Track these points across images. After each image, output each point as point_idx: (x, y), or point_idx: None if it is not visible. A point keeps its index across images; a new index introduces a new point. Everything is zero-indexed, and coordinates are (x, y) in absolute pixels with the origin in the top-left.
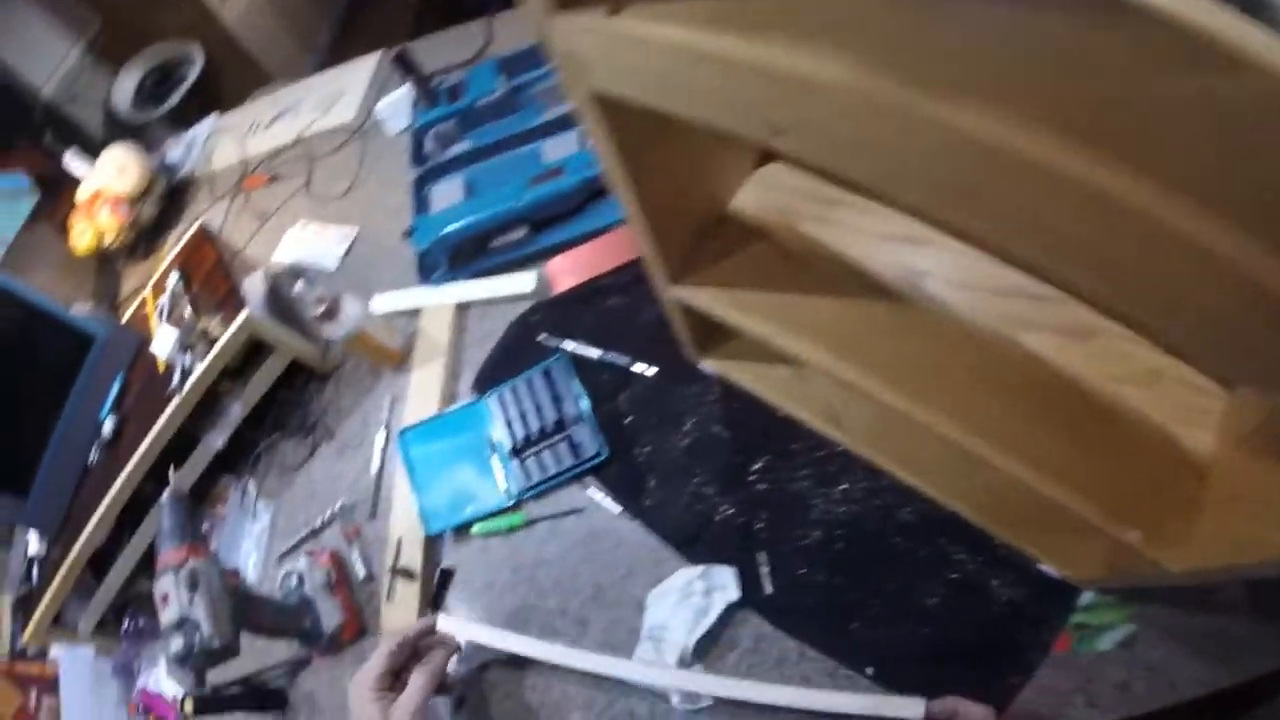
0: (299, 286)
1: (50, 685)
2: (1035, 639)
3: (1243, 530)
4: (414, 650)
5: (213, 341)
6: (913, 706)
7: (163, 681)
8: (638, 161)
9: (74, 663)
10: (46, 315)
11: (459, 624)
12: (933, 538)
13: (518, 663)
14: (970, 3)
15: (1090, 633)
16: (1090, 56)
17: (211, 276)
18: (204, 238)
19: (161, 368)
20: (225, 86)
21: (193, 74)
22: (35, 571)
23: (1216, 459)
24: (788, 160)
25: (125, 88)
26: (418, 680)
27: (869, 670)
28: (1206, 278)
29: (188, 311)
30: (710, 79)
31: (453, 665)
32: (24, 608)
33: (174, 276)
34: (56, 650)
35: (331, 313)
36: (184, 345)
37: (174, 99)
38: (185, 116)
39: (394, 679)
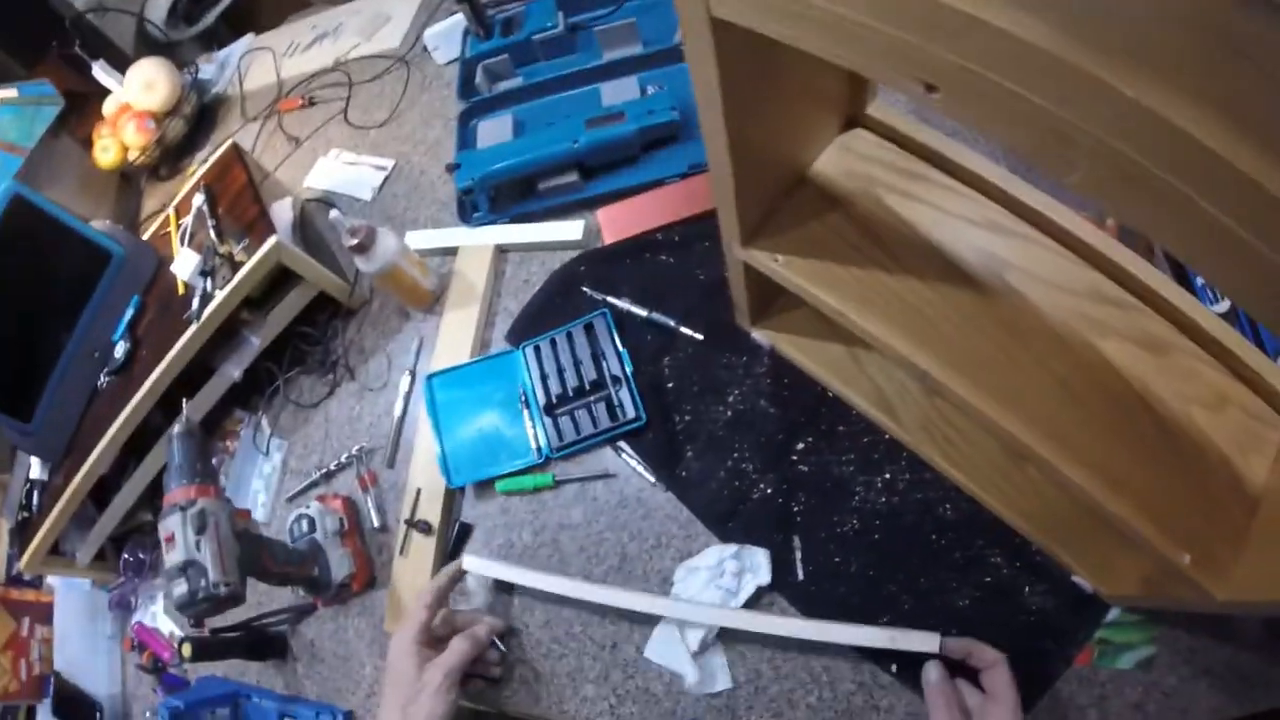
0: (334, 214)
1: (44, 614)
2: (1059, 650)
3: None
4: (454, 621)
5: (236, 267)
6: (928, 640)
7: (159, 617)
8: (736, 104)
9: (69, 592)
10: (64, 228)
11: (485, 563)
12: (971, 538)
13: (531, 634)
14: None
15: (1112, 650)
16: None
17: (240, 199)
18: (235, 157)
19: (181, 291)
20: (262, 10)
21: None
22: (35, 497)
23: (1269, 491)
24: (874, 128)
25: (159, 3)
26: (458, 645)
27: (893, 667)
28: None
29: (212, 234)
30: (869, 14)
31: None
32: (21, 533)
33: (199, 196)
34: (53, 579)
35: (365, 245)
36: (205, 269)
37: (208, 19)
38: (219, 38)
39: (435, 640)
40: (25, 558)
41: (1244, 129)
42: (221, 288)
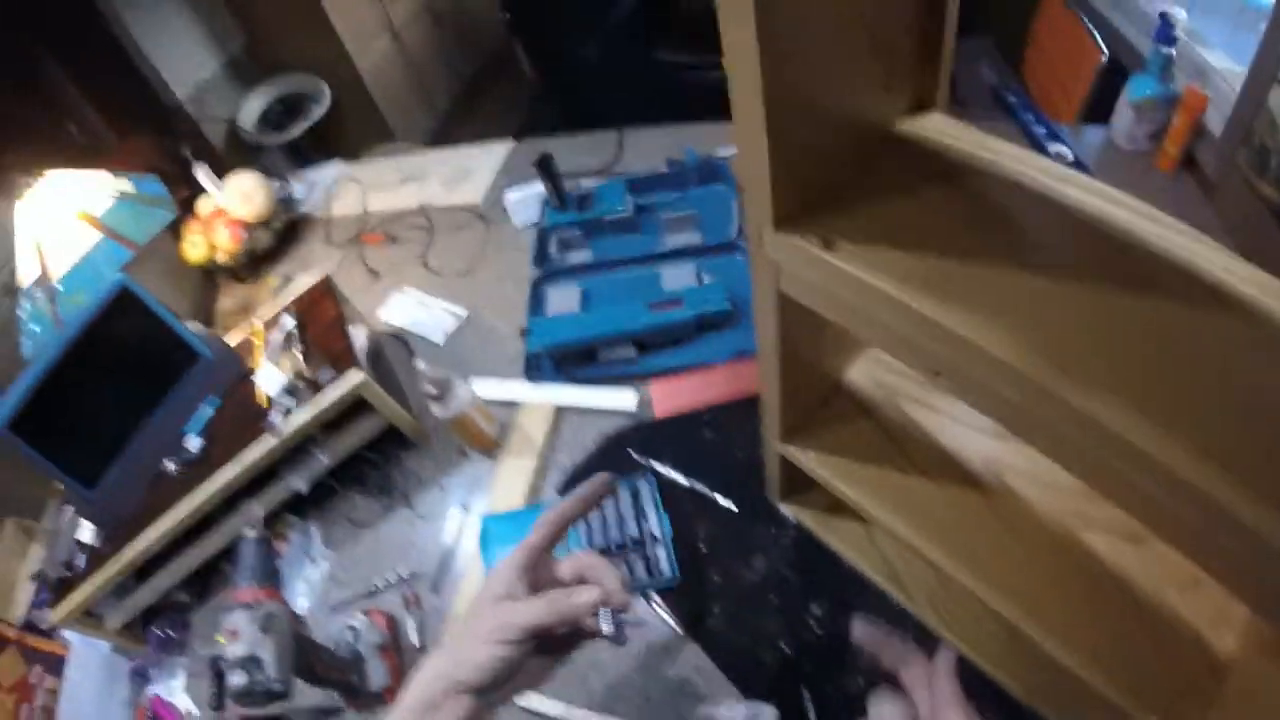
0: (420, 364)
1: (55, 665)
2: None
3: None
4: (582, 565)
5: (317, 388)
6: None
7: (177, 694)
8: (789, 343)
9: (85, 650)
10: (161, 322)
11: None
12: (968, 698)
13: None
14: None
15: None
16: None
17: (329, 330)
18: (327, 290)
19: (263, 401)
20: (345, 131)
21: (318, 111)
22: (81, 558)
23: (1236, 660)
24: None
25: (253, 108)
26: (540, 607)
27: None
28: None
29: (299, 357)
30: (890, 319)
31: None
32: (59, 589)
33: (289, 319)
34: (69, 632)
35: (441, 395)
36: (290, 388)
37: (295, 130)
38: (301, 150)
39: (552, 580)
40: (58, 614)
41: (1169, 432)
42: (302, 408)
